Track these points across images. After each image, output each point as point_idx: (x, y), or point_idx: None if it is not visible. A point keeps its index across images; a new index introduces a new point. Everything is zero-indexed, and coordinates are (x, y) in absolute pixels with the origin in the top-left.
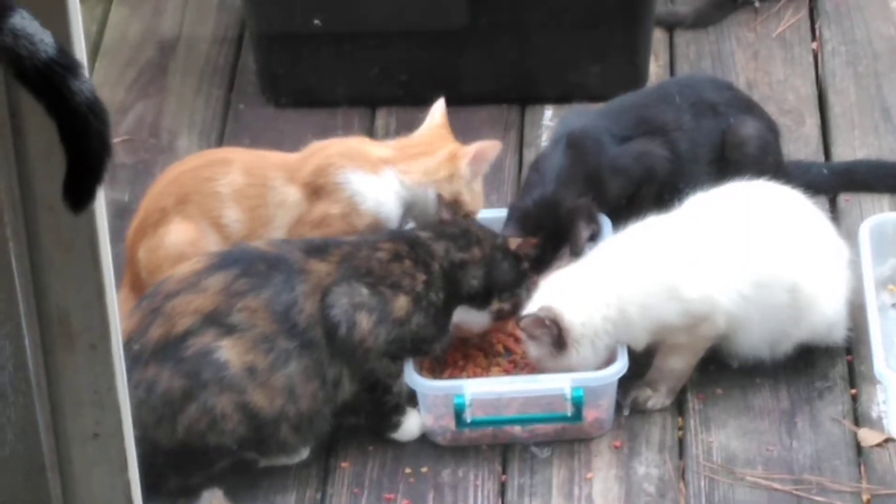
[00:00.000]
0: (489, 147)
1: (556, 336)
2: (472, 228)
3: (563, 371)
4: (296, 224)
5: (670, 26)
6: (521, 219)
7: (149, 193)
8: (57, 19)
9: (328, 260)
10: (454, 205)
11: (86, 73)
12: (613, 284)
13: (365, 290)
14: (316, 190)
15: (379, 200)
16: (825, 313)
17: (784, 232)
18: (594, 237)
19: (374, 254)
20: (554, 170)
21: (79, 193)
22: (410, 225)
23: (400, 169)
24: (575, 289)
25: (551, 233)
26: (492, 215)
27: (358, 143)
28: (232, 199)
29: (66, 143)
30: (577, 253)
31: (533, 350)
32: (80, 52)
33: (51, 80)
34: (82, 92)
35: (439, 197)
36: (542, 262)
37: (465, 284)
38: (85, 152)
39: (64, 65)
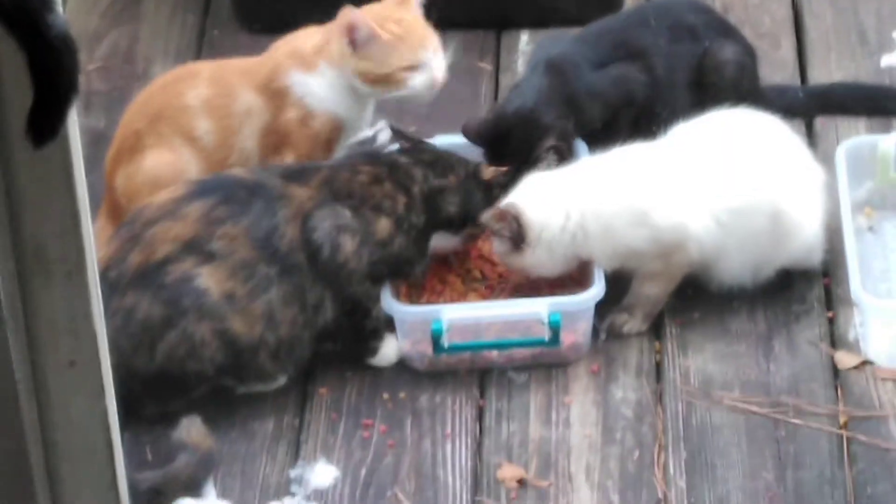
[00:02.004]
0: (350, 11)
1: (516, 232)
2: (444, 155)
3: (523, 271)
4: (264, 134)
5: None
6: (495, 123)
7: (122, 119)
8: None
9: (308, 184)
10: (390, 80)
11: (60, 8)
12: (579, 198)
13: (347, 213)
14: (273, 95)
15: (322, 97)
16: (804, 237)
17: (762, 159)
18: (562, 157)
19: (354, 177)
20: (534, 88)
21: (42, 128)
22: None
23: (327, 58)
24: (543, 193)
25: (523, 145)
26: (465, 142)
27: (302, 38)
28: (201, 111)
29: (36, 78)
30: (533, 161)
31: (496, 245)
32: None
33: (25, 13)
34: (56, 26)
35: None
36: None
37: (443, 211)
38: (54, 87)
39: None
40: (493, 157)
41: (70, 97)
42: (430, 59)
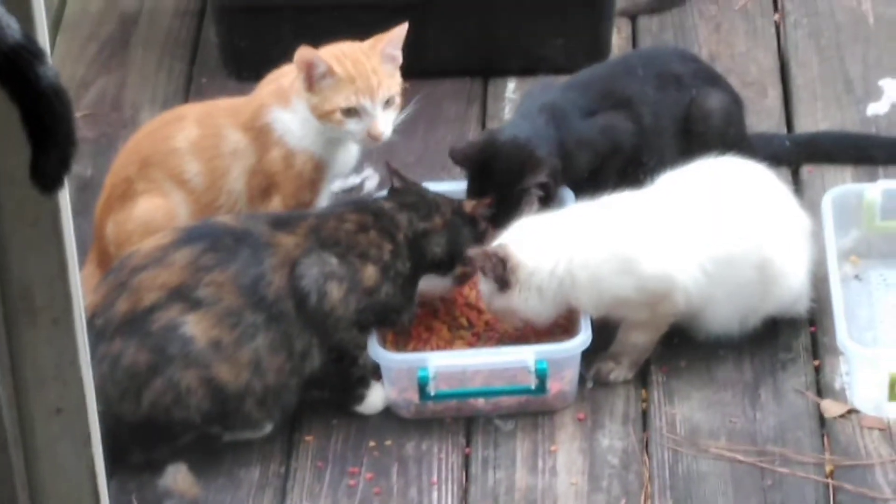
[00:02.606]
0: (306, 47)
1: (501, 273)
2: (429, 196)
3: (508, 314)
4: (251, 175)
5: (632, 15)
6: (484, 147)
7: (112, 167)
8: (19, 3)
9: (295, 232)
10: (331, 116)
11: (50, 59)
12: (568, 245)
13: (334, 260)
14: (257, 135)
15: (299, 135)
16: (791, 286)
17: (748, 207)
18: (547, 196)
19: (341, 225)
20: (530, 123)
21: (47, 177)
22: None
23: (299, 92)
24: (534, 237)
25: (510, 174)
26: (454, 187)
27: (284, 74)
28: (190, 153)
29: (30, 129)
30: (517, 194)
31: (482, 285)
32: (43, 34)
33: (16, 65)
34: (46, 77)
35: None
36: (499, 214)
37: (430, 253)
38: (51, 138)
39: (30, 50)
40: (478, 181)
41: (68, 146)
42: (373, 110)
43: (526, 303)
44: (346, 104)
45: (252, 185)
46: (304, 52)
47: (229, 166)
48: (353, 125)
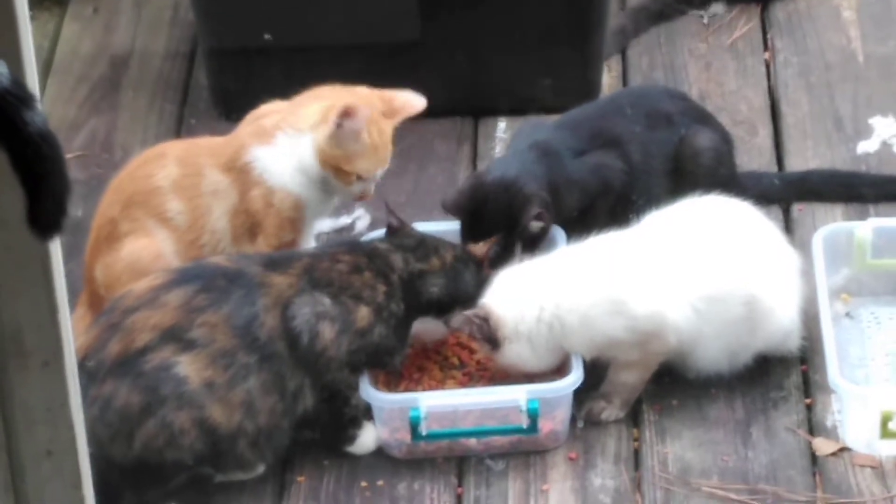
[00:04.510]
0: (362, 106)
1: (487, 333)
2: (428, 239)
3: (512, 369)
4: (234, 214)
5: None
6: (472, 192)
7: (98, 209)
8: (8, 46)
9: (288, 273)
10: (341, 173)
11: (39, 104)
12: (554, 291)
13: (327, 300)
14: (238, 174)
15: (279, 171)
16: (781, 323)
17: (737, 246)
18: (544, 230)
19: (334, 266)
20: (518, 161)
21: (43, 223)
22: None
23: (285, 129)
24: (514, 288)
25: (501, 215)
26: (445, 227)
27: (264, 112)
28: (172, 192)
29: (22, 175)
30: (520, 232)
31: (479, 347)
32: (33, 77)
33: (4, 110)
34: (35, 123)
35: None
36: (497, 256)
37: (425, 294)
38: (43, 183)
39: (18, 96)
40: (471, 226)
41: (62, 191)
42: (376, 178)
43: (520, 356)
44: (365, 174)
45: (235, 224)
46: (352, 106)
47: (210, 206)
48: (357, 188)
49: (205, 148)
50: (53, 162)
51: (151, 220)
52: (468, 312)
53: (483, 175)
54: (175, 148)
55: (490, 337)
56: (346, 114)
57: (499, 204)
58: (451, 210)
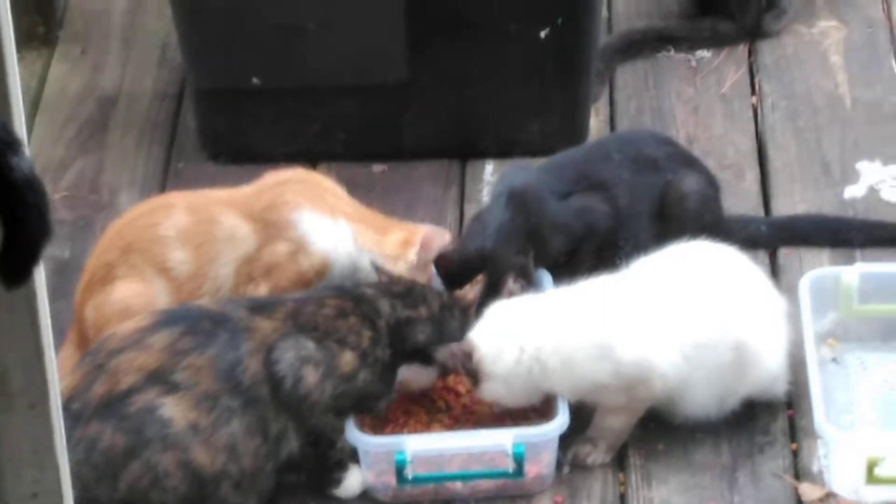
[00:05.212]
0: (437, 236)
1: (470, 368)
2: (417, 287)
3: (493, 403)
4: (244, 262)
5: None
6: (460, 264)
7: (94, 251)
8: None
9: (273, 317)
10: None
11: (26, 150)
12: (537, 333)
13: (311, 344)
14: (266, 225)
15: (332, 244)
16: (768, 369)
17: (724, 292)
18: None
19: (319, 310)
20: (495, 224)
21: (14, 271)
22: None
23: (354, 227)
24: (499, 327)
25: (486, 286)
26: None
27: (318, 184)
28: (177, 241)
29: (3, 219)
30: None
31: (463, 380)
32: (20, 120)
33: None
34: (21, 169)
35: (372, 263)
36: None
37: (412, 341)
38: (24, 230)
39: (5, 141)
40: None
41: (41, 240)
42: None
43: (496, 394)
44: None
45: (241, 272)
46: (429, 239)
47: (220, 252)
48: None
49: (219, 197)
50: (37, 209)
51: (150, 269)
52: (454, 346)
53: (465, 246)
54: (183, 198)
55: (471, 372)
56: (425, 244)
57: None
58: (442, 276)
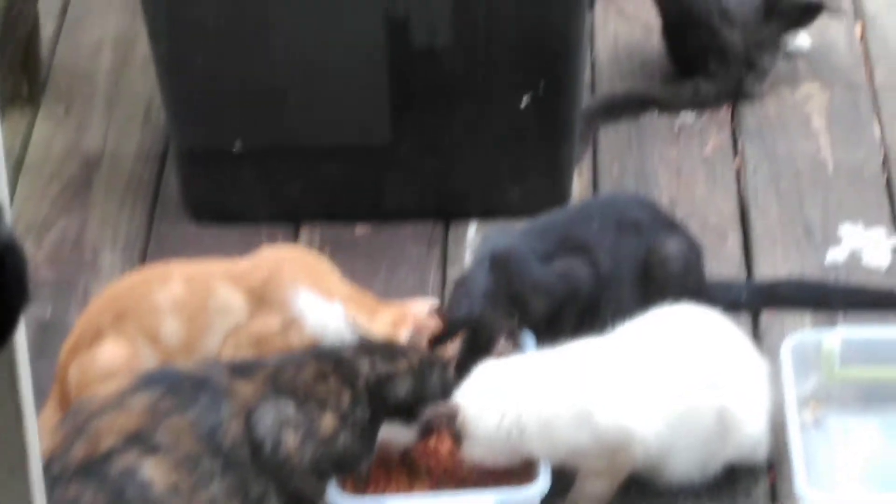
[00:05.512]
0: (429, 317)
1: (453, 429)
2: (395, 343)
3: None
4: (232, 332)
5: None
6: (448, 333)
7: (85, 312)
8: None
9: (253, 380)
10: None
11: (7, 217)
12: (519, 396)
13: (291, 407)
14: (261, 300)
15: (326, 325)
16: (750, 434)
17: (706, 357)
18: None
19: (299, 373)
20: (481, 288)
21: None
22: None
23: (346, 308)
24: (483, 389)
25: (474, 350)
26: None
27: (314, 264)
28: (171, 311)
29: None
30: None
31: (447, 440)
32: (2, 184)
33: None
34: (0, 236)
35: (351, 326)
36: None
37: (392, 398)
38: (0, 295)
39: None
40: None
41: (20, 305)
42: None
43: (476, 456)
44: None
45: (227, 342)
46: (420, 324)
47: (212, 324)
48: None
49: (216, 269)
50: (15, 275)
51: (141, 337)
52: (441, 405)
53: (452, 313)
54: (181, 268)
55: (454, 432)
56: (417, 330)
57: (470, 342)
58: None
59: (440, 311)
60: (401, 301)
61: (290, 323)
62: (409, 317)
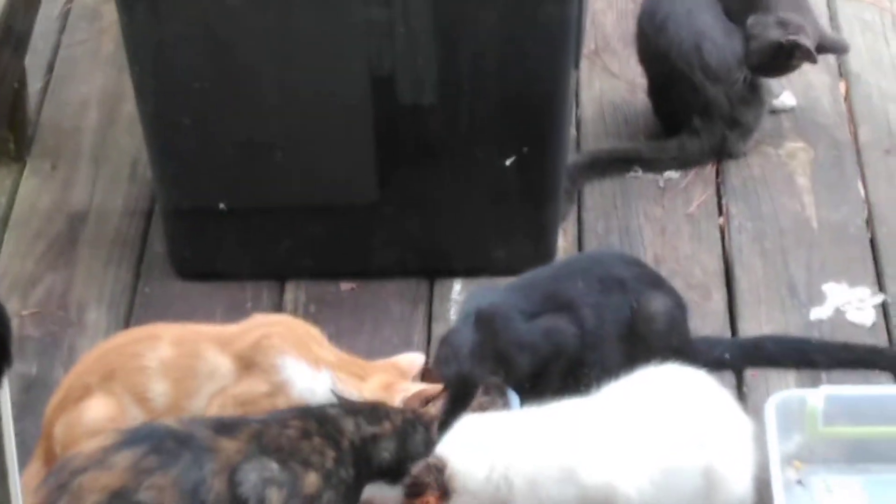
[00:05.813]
0: (413, 376)
1: (441, 483)
2: (379, 404)
3: None
4: (217, 393)
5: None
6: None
7: (73, 370)
8: None
9: (237, 438)
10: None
11: None
12: (506, 452)
13: (275, 466)
14: (249, 364)
15: (312, 392)
16: (735, 492)
17: (691, 416)
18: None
19: (283, 431)
20: (467, 346)
21: None
22: None
23: (337, 375)
24: (471, 443)
25: (462, 406)
26: None
27: (303, 332)
28: (159, 373)
29: None
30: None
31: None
32: None
33: None
34: None
35: (333, 392)
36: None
37: (377, 458)
38: None
39: None
40: None
41: (1, 368)
42: None
43: None
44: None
45: (213, 402)
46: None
47: (200, 387)
48: None
49: (206, 332)
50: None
51: (129, 397)
52: (428, 458)
53: (441, 372)
54: (170, 330)
55: (442, 486)
56: (413, 398)
57: (458, 398)
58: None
59: (427, 370)
60: (388, 359)
61: (278, 389)
62: (399, 382)
